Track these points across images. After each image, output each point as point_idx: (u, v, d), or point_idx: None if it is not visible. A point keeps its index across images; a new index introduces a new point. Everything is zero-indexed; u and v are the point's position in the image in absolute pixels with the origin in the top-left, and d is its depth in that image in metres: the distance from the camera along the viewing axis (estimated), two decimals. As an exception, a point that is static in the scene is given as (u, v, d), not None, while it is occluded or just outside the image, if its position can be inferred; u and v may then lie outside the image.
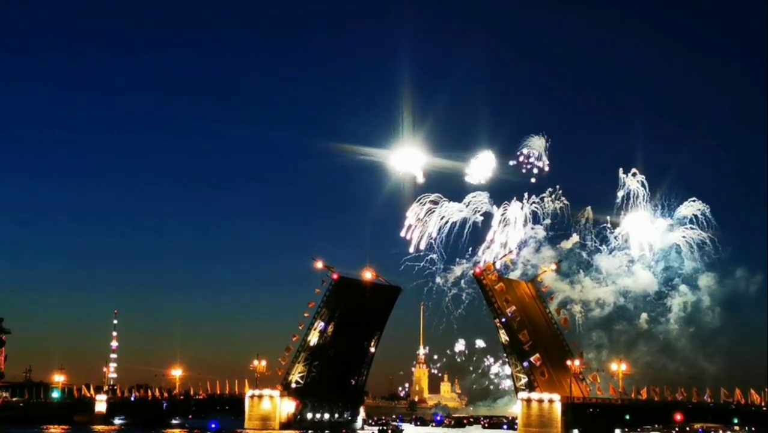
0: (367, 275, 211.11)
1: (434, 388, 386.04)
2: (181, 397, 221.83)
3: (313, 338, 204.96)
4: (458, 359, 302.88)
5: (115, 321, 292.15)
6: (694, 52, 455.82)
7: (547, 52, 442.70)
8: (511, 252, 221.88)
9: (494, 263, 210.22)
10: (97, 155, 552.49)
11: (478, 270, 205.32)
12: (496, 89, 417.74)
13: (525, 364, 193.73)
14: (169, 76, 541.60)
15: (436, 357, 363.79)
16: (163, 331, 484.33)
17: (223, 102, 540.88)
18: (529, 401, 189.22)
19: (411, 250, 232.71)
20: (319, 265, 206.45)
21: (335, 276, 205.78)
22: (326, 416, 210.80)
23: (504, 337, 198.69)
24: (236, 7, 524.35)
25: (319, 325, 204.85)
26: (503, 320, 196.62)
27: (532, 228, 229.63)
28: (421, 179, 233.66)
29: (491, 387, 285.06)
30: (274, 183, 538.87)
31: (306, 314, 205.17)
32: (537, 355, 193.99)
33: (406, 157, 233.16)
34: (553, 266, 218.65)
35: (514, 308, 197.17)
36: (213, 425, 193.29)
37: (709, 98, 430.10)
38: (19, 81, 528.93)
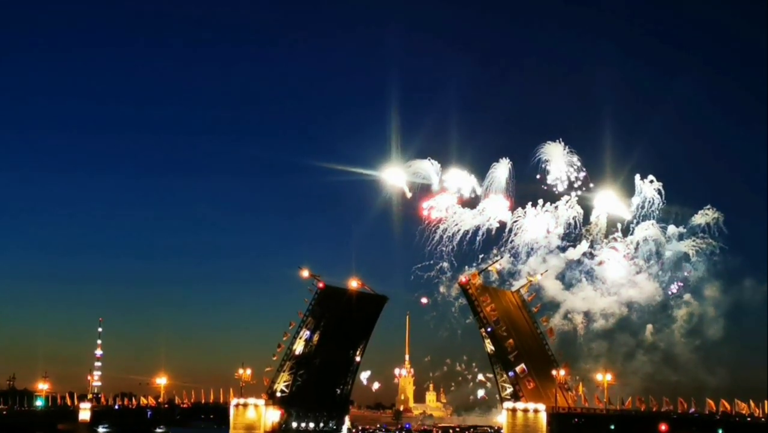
0: (353, 283, 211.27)
1: (420, 397, 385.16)
2: (166, 405, 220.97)
3: (299, 347, 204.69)
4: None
5: (100, 329, 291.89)
6: (713, 57, 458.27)
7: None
8: (497, 260, 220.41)
9: (479, 271, 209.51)
10: (83, 160, 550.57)
11: (463, 279, 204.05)
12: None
13: (510, 373, 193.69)
14: (170, 80, 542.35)
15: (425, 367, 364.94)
16: (148, 339, 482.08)
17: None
18: (514, 410, 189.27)
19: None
20: (306, 273, 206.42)
21: (321, 285, 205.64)
22: (311, 425, 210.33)
23: (489, 346, 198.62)
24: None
25: (305, 334, 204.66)
26: (488, 329, 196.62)
27: (545, 237, 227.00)
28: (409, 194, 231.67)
29: (487, 397, 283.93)
30: (261, 192, 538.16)
31: (291, 325, 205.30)
32: (522, 365, 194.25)
33: (397, 172, 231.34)
34: (539, 276, 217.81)
35: (499, 317, 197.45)
36: None
37: (729, 106, 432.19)
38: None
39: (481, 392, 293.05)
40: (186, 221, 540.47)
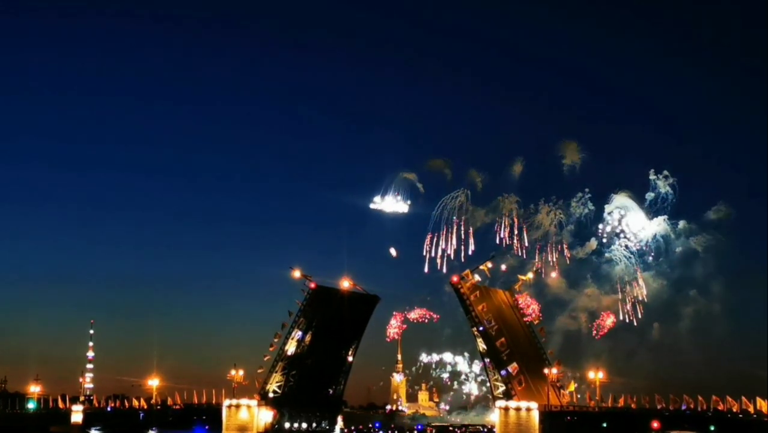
0: (345, 283, 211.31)
1: (412, 396, 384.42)
2: (158, 407, 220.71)
3: (291, 348, 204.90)
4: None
5: (92, 331, 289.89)
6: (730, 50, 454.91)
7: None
8: (491, 258, 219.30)
9: (472, 270, 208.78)
10: (77, 162, 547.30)
11: (455, 278, 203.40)
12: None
13: (502, 372, 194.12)
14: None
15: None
16: (140, 341, 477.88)
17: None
18: (506, 409, 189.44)
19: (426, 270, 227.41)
20: (297, 274, 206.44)
21: (313, 285, 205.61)
22: (304, 425, 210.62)
23: (482, 345, 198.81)
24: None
25: (297, 334, 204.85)
26: (481, 328, 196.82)
27: (558, 234, 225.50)
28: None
29: (489, 396, 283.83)
30: (253, 193, 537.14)
31: (284, 325, 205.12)
32: (514, 364, 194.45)
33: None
34: (530, 275, 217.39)
35: (490, 316, 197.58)
36: None
37: (743, 99, 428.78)
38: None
39: (471, 392, 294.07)
40: (177, 223, 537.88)
